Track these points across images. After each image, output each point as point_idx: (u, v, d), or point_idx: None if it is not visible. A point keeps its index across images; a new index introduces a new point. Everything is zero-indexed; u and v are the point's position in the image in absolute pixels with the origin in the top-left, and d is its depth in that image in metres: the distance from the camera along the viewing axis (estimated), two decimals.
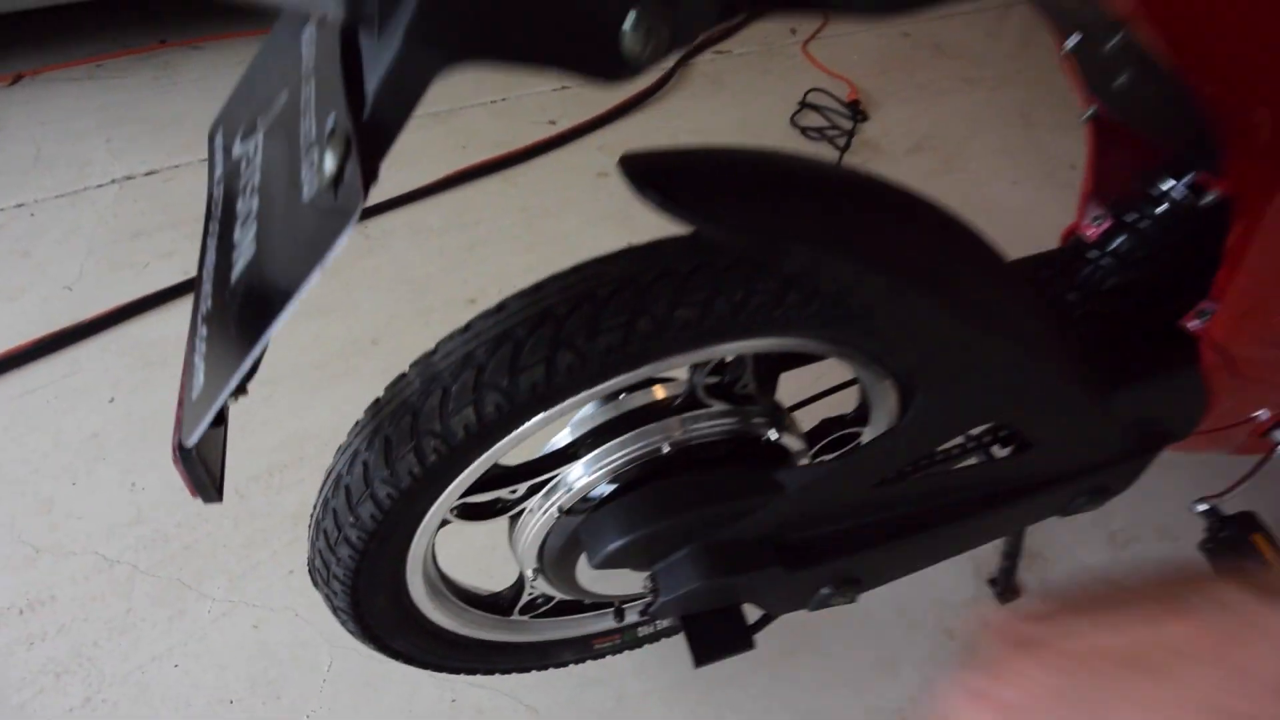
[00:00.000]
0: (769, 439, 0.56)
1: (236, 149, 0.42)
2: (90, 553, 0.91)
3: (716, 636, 0.58)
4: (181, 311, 1.19)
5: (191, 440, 0.37)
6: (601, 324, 0.41)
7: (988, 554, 0.98)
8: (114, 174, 1.41)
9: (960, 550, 0.67)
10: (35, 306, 1.16)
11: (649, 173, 0.36)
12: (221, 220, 0.41)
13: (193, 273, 1.06)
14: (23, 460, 0.99)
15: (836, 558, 0.55)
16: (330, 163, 0.29)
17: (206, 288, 0.39)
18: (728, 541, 0.53)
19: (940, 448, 0.58)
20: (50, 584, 0.88)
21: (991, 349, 0.47)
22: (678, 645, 0.84)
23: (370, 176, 0.28)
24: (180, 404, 0.39)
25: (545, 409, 0.45)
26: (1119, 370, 0.57)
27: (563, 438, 0.56)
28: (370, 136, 0.29)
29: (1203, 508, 0.80)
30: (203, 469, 0.38)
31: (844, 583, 0.57)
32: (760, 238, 0.39)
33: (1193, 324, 0.59)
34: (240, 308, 0.36)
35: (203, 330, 0.39)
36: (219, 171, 0.44)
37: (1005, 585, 0.95)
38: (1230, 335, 0.58)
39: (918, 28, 2.48)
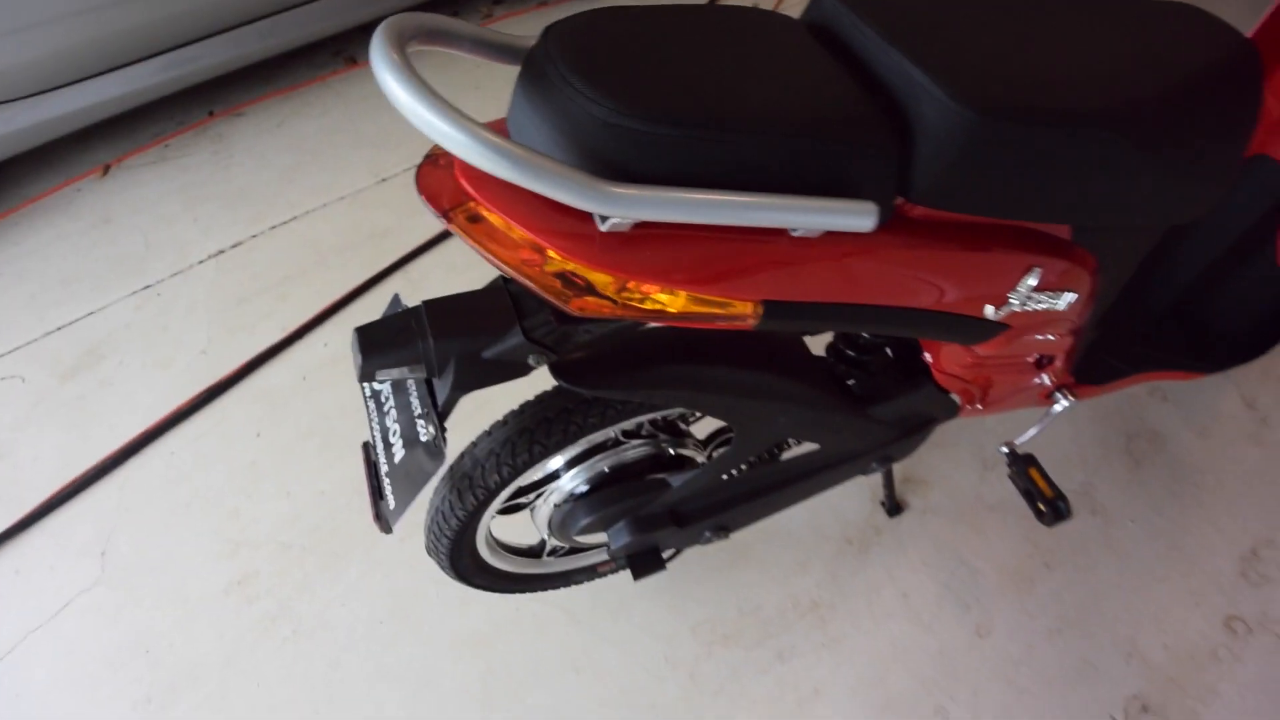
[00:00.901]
0: (673, 453, 0.98)
1: (389, 376, 0.80)
2: (272, 542, 1.38)
3: (645, 564, 1.02)
4: (287, 361, 1.62)
5: (394, 528, 0.78)
6: (554, 429, 0.82)
7: (878, 482, 1.39)
8: (209, 249, 1.82)
9: (795, 503, 1.07)
10: (183, 371, 1.61)
11: (560, 372, 0.75)
12: (380, 423, 0.80)
13: (289, 329, 1.51)
14: (210, 487, 1.45)
15: (710, 516, 0.97)
16: (428, 433, 0.70)
17: (381, 452, 0.80)
18: (644, 515, 0.95)
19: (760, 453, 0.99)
20: (251, 566, 1.35)
21: (776, 409, 0.86)
22: (673, 571, 1.28)
23: (443, 442, 0.69)
24: (371, 494, 0.81)
25: (529, 469, 0.87)
26: (876, 394, 0.96)
27: (555, 462, 0.98)
28: (439, 422, 0.70)
29: (1004, 449, 1.18)
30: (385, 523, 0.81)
31: (718, 529, 1.00)
32: (619, 392, 0.77)
33: (925, 357, 0.97)
34: (403, 476, 0.76)
35: (387, 471, 0.79)
36: (369, 391, 0.83)
37: (891, 504, 1.36)
38: (947, 363, 0.96)
39: None
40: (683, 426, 1.01)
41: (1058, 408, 1.12)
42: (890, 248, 0.64)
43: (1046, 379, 1.10)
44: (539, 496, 0.99)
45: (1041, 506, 1.08)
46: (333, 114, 2.13)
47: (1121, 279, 0.91)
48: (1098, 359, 1.18)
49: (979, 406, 1.10)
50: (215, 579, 1.34)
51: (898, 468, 1.41)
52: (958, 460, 1.42)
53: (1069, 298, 0.78)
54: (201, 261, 1.80)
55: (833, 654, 1.21)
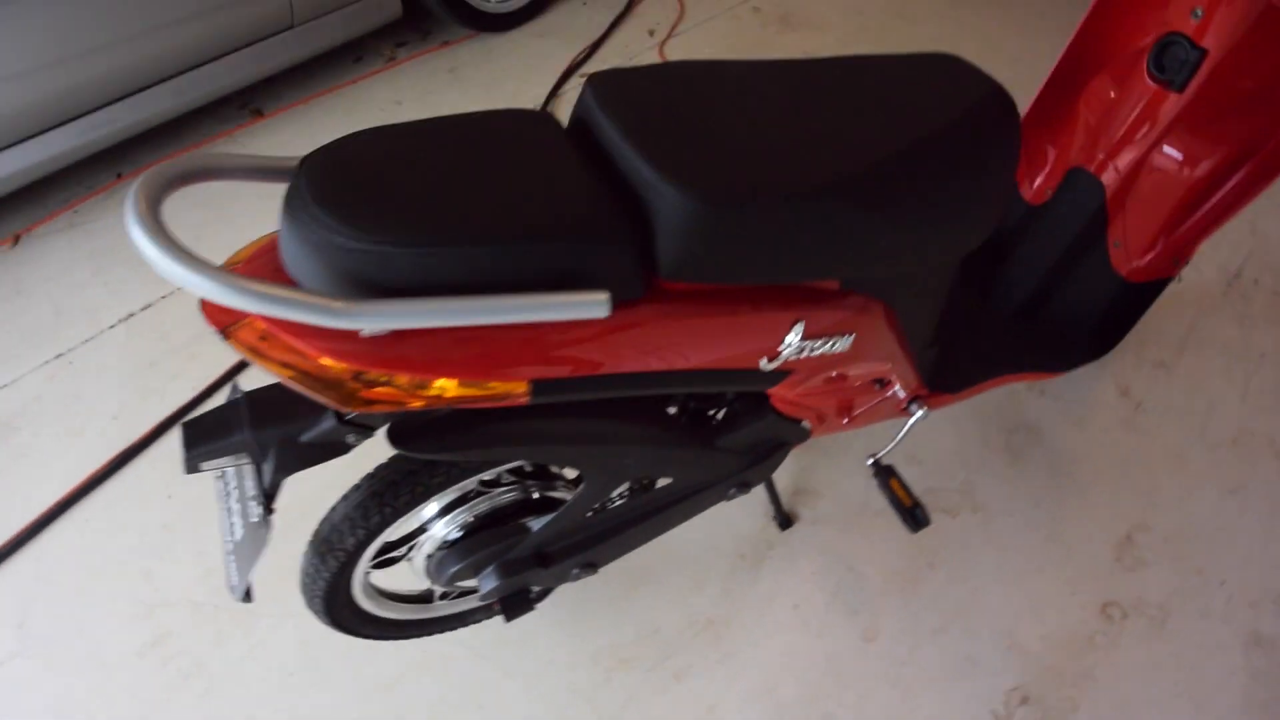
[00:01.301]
0: (539, 496, 1.02)
1: (214, 467, 0.83)
2: (185, 601, 1.40)
3: (515, 606, 1.06)
4: None
5: (238, 596, 0.82)
6: (401, 492, 0.86)
7: (765, 497, 1.44)
8: (119, 314, 1.84)
9: (661, 533, 1.11)
10: (97, 437, 1.63)
11: (396, 438, 0.79)
12: (225, 504, 0.84)
13: (198, 388, 1.53)
14: (124, 551, 1.47)
15: (576, 554, 1.02)
16: (256, 514, 0.74)
17: (226, 530, 0.83)
18: (511, 558, 0.99)
19: (616, 492, 1.03)
20: (165, 626, 1.38)
21: (621, 451, 0.91)
22: (573, 599, 1.33)
23: (268, 523, 0.73)
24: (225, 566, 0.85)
25: (386, 529, 0.91)
26: (722, 426, 1.01)
27: (425, 513, 1.02)
28: (265, 504, 0.74)
29: (870, 461, 1.24)
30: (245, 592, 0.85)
31: (585, 566, 1.04)
32: (454, 454, 0.81)
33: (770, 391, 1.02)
34: (242, 552, 0.80)
35: (230, 549, 0.83)
36: (218, 476, 0.87)
37: (782, 518, 1.41)
38: (783, 393, 1.01)
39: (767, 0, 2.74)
40: (552, 469, 1.06)
41: (913, 419, 1.18)
42: (649, 320, 0.69)
43: (900, 392, 1.16)
44: (411, 548, 1.03)
45: (902, 516, 1.14)
46: None
47: (931, 306, 0.97)
48: (953, 366, 1.24)
49: (832, 426, 1.15)
50: (131, 641, 1.36)
51: (788, 480, 1.47)
52: (846, 469, 1.48)
53: (846, 340, 0.83)
54: (112, 326, 1.82)
55: (726, 669, 1.26)
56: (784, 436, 1.06)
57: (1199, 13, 0.93)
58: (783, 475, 1.47)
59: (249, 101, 2.39)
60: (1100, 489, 1.43)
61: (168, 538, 1.48)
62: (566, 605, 1.34)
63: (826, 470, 1.48)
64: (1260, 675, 1.23)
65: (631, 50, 2.54)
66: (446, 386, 0.64)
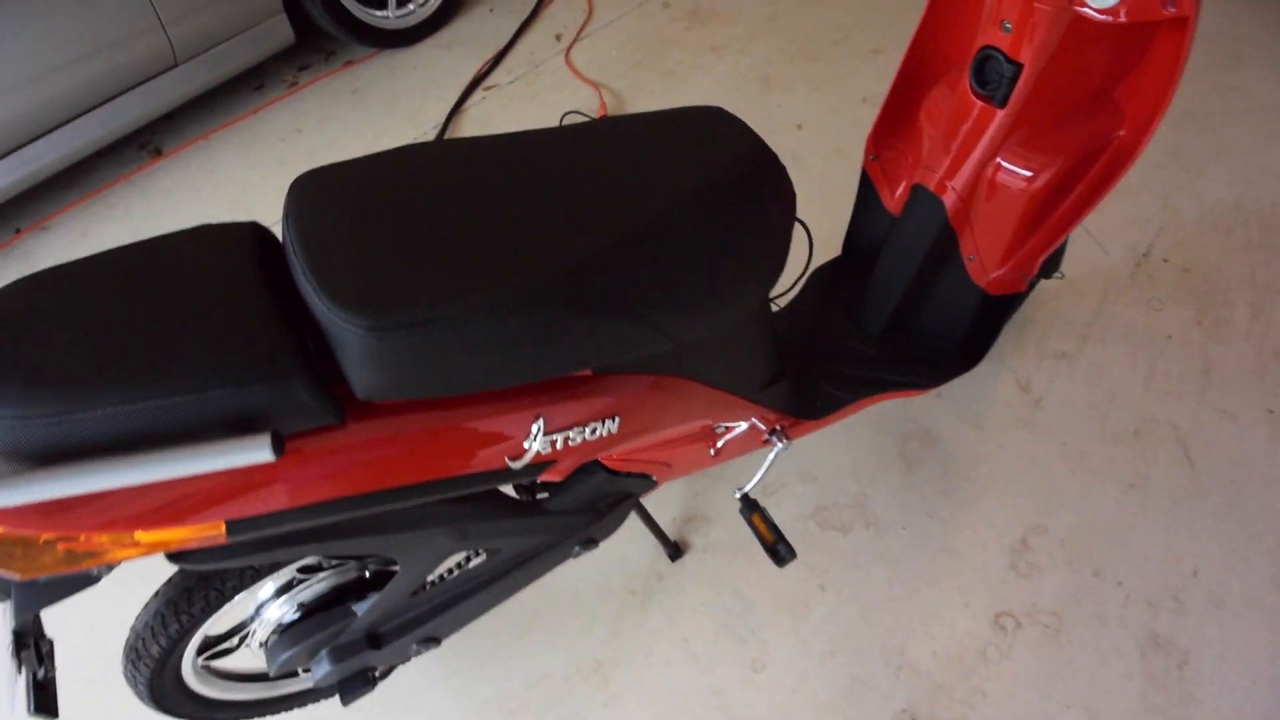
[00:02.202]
0: (364, 575, 0.99)
1: None
2: (78, 679, 1.38)
3: (353, 688, 1.02)
4: None
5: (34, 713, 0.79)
6: (195, 599, 0.83)
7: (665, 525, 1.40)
8: None
9: (506, 598, 1.07)
10: None
11: (171, 554, 0.75)
12: None
13: None
14: None
15: (412, 631, 0.99)
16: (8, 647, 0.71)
17: None
18: (339, 644, 0.96)
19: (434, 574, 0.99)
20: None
21: (430, 533, 0.87)
22: (462, 650, 1.30)
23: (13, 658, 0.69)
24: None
25: (193, 632, 0.88)
26: (551, 491, 0.97)
27: (251, 605, 0.99)
28: (14, 641, 0.70)
29: (738, 494, 1.20)
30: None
31: (425, 641, 1.01)
32: (235, 560, 0.77)
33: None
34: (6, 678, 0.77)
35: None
36: None
37: (671, 549, 1.38)
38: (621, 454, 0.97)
39: None
40: None
41: (773, 453, 1.14)
42: (350, 445, 0.64)
43: (759, 424, 1.12)
44: (242, 640, 1.00)
45: (767, 552, 1.11)
46: (135, 214, 2.11)
47: (749, 353, 0.92)
48: (817, 392, 1.20)
49: (684, 470, 1.11)
50: None
51: (679, 507, 1.44)
52: (741, 479, 1.44)
53: (611, 423, 0.78)
54: None
55: (613, 713, 1.23)
56: (625, 490, 1.03)
57: (1008, 26, 0.88)
58: (673, 503, 1.44)
59: (148, 141, 2.34)
60: (996, 493, 1.40)
61: (58, 613, 1.45)
62: (457, 653, 1.31)
63: (719, 494, 1.45)
64: (1156, 679, 1.20)
65: (538, 57, 2.47)
66: (142, 536, 0.60)
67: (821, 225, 1.83)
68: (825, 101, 2.19)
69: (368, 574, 0.99)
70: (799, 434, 1.21)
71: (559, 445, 0.74)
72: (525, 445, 0.71)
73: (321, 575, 0.96)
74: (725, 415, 0.97)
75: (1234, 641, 1.22)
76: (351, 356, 0.59)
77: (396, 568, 1.01)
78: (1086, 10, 0.82)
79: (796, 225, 1.14)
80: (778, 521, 1.39)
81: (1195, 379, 1.51)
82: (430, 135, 2.23)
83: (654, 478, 1.03)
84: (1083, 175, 1.00)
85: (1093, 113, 0.97)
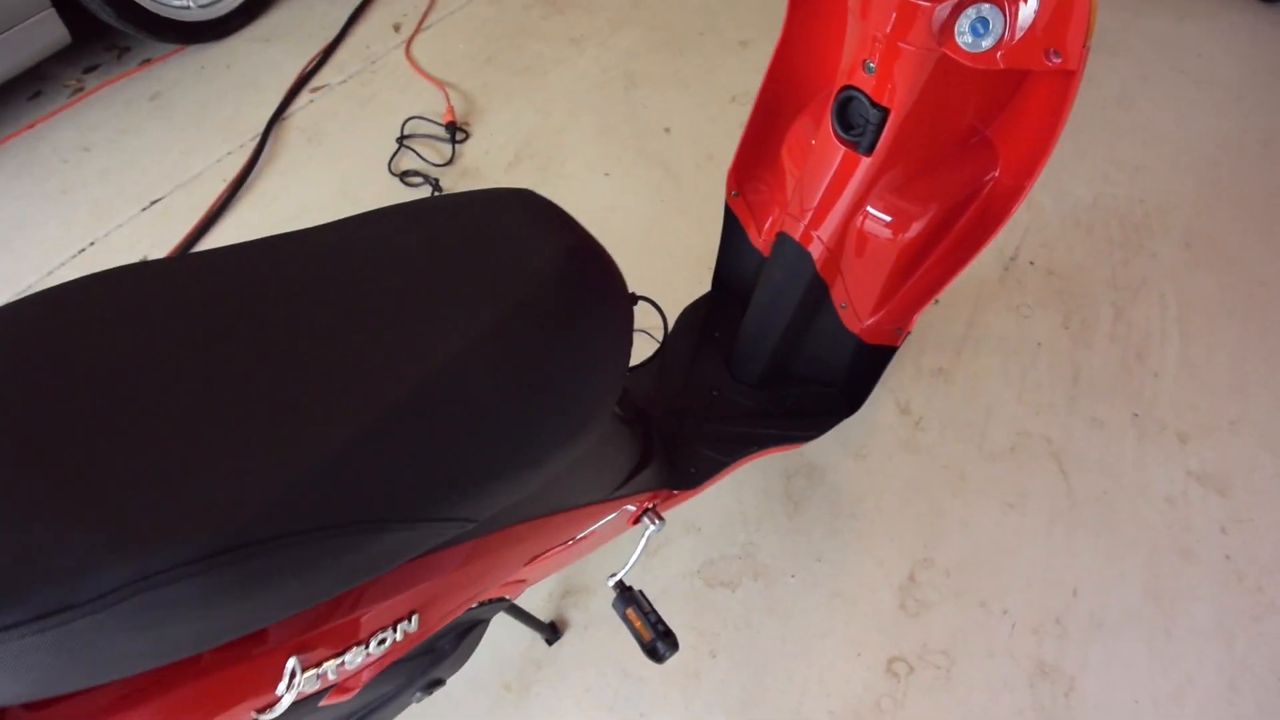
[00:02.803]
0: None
1: None
2: None
3: None
4: None
5: None
6: None
7: (537, 607, 1.25)
8: None
9: None
10: None
11: None
12: None
13: None
14: None
15: None
16: None
17: None
18: None
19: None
20: None
21: None
22: None
23: None
24: None
25: None
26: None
27: None
28: None
29: (611, 581, 1.07)
30: None
31: None
32: None
33: None
34: None
35: None
36: None
37: (548, 632, 1.24)
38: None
39: None
40: None
41: (646, 534, 1.03)
42: None
43: (631, 507, 0.99)
44: None
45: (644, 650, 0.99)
46: None
47: (593, 471, 0.79)
48: (690, 458, 1.09)
49: (550, 571, 0.97)
50: None
51: (555, 581, 1.30)
52: (621, 556, 1.32)
53: (408, 624, 0.61)
54: None
55: None
56: (471, 621, 0.88)
57: (871, 66, 0.77)
58: (547, 579, 1.30)
59: None
60: (883, 527, 1.35)
61: None
62: None
63: (600, 561, 1.32)
64: (1045, 709, 1.19)
65: (374, 51, 2.21)
66: None
67: (693, 245, 1.72)
68: (693, 99, 2.06)
69: None
70: (674, 505, 1.10)
71: (332, 675, 0.57)
72: (279, 692, 0.53)
73: None
74: (578, 529, 0.83)
75: (1115, 661, 1.23)
76: None
77: None
78: (958, 55, 0.72)
79: (647, 308, 1.01)
80: (659, 589, 1.28)
81: (1065, 387, 1.52)
82: (248, 148, 1.94)
83: (507, 598, 0.89)
84: (957, 221, 0.92)
85: (966, 154, 0.89)
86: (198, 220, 1.76)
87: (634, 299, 0.72)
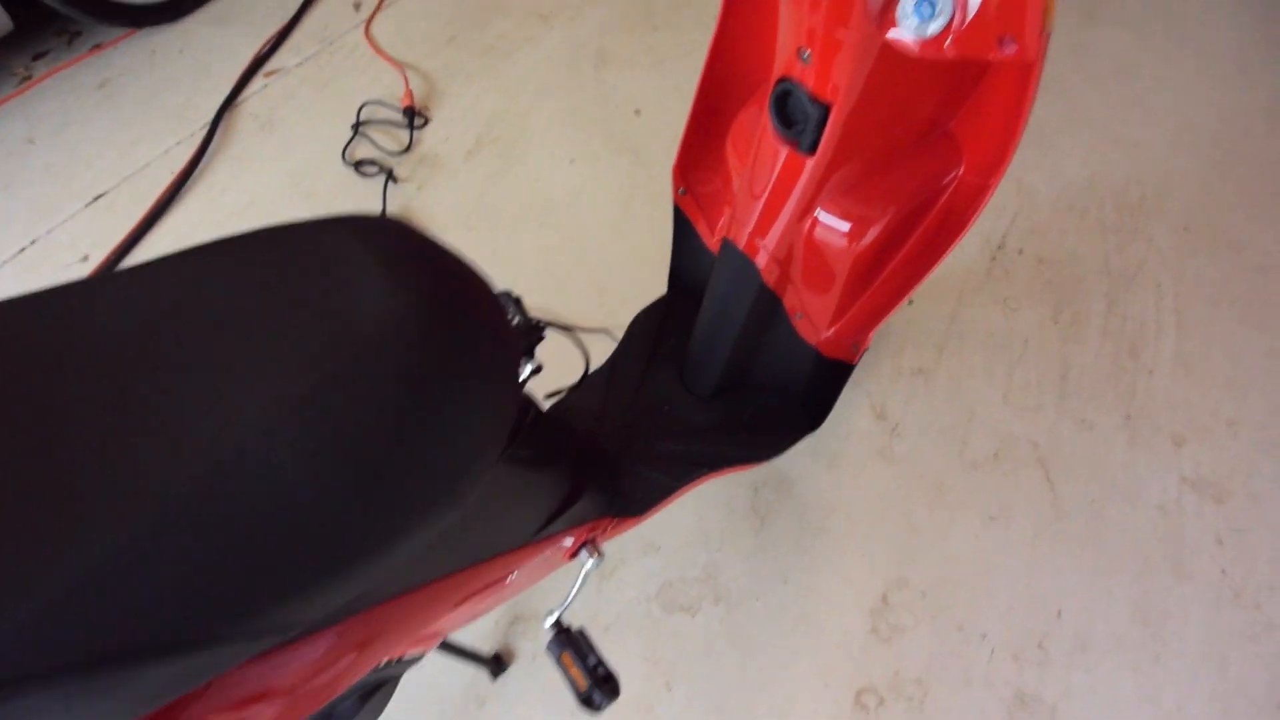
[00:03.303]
0: None
1: None
2: None
3: None
4: None
5: None
6: None
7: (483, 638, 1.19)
8: None
9: None
10: None
11: None
12: None
13: None
14: None
15: None
16: None
17: None
18: None
19: None
20: None
21: None
22: None
23: None
24: None
25: None
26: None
27: None
28: None
29: (549, 621, 0.99)
30: None
31: None
32: None
33: None
34: None
35: None
36: None
37: (493, 665, 1.17)
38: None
39: None
40: None
41: (585, 569, 0.95)
42: None
43: (568, 541, 0.91)
44: None
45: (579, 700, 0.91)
46: None
47: (519, 504, 0.71)
48: (637, 481, 1.01)
49: (487, 609, 0.89)
50: None
51: (502, 610, 1.23)
52: (573, 580, 1.25)
53: (346, 663, 0.54)
54: None
55: None
56: (379, 679, 0.80)
57: (807, 55, 0.67)
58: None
59: None
60: (854, 544, 1.27)
61: None
62: None
63: (550, 585, 1.25)
64: None
65: (332, 32, 2.09)
66: None
67: (662, 236, 1.61)
68: (667, 79, 1.94)
69: None
70: (621, 533, 1.02)
71: None
72: None
73: None
74: (494, 576, 0.75)
75: (1100, 688, 1.15)
76: None
77: None
78: (902, 41, 0.62)
79: (568, 340, 0.91)
80: (613, 616, 1.20)
81: (1053, 386, 1.42)
82: (198, 137, 1.84)
83: (420, 652, 0.81)
84: (918, 224, 0.82)
85: (928, 150, 0.79)
86: (141, 216, 1.67)
87: (536, 332, 0.63)
